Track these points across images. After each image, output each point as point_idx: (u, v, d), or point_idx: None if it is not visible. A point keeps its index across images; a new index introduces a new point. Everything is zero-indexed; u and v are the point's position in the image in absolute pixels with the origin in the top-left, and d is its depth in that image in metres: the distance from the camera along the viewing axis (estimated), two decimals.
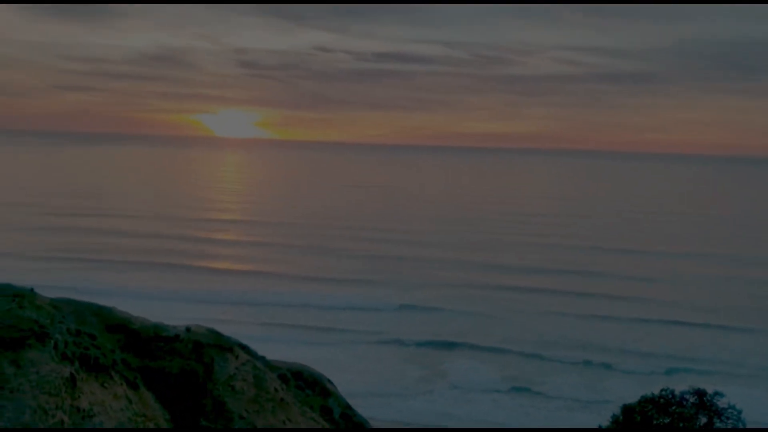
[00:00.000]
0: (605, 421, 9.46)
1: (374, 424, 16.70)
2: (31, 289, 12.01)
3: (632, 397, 10.63)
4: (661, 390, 9.79)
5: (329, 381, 16.72)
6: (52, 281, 40.82)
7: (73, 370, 10.57)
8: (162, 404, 12.37)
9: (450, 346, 38.07)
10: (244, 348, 14.04)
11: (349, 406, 16.02)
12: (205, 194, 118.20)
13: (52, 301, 12.34)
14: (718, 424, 9.90)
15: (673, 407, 9.39)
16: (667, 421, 9.13)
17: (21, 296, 11.50)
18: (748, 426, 10.01)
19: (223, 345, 13.38)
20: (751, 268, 60.64)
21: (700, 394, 9.87)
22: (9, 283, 12.19)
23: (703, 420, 9.90)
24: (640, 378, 32.64)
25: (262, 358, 14.43)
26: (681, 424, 8.94)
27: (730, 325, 42.22)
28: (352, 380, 27.98)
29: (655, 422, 8.93)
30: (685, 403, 9.72)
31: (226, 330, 14.85)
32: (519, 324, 42.20)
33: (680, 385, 10.61)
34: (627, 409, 9.07)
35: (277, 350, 19.29)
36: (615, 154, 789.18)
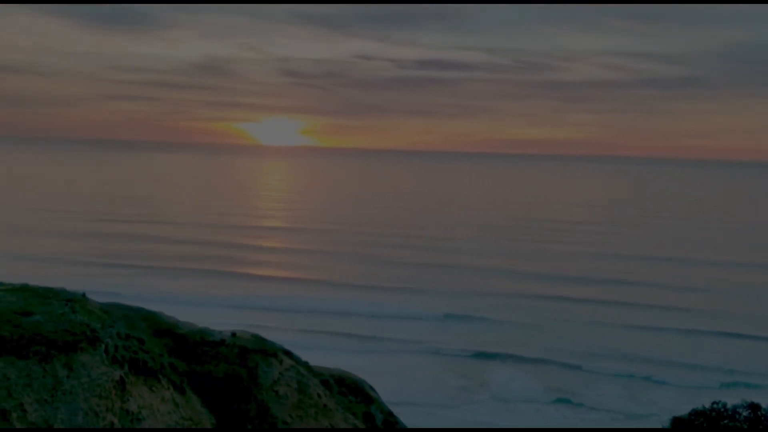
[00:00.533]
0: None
1: None
2: (83, 294, 12.34)
3: (679, 411, 10.37)
4: (713, 403, 9.52)
5: (371, 388, 16.74)
6: (101, 287, 41.86)
7: (122, 373, 10.82)
8: (208, 408, 12.57)
9: (492, 356, 37.75)
10: (288, 353, 14.16)
11: (391, 414, 16.01)
12: (250, 202, 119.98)
13: (103, 306, 12.67)
14: None
15: (725, 420, 9.12)
16: None
17: (73, 301, 11.82)
18: None
19: (267, 350, 13.53)
20: None
21: (754, 407, 9.56)
22: (63, 287, 12.56)
23: None
24: (686, 391, 31.86)
25: (306, 364, 14.54)
26: None
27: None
28: (395, 388, 27.96)
29: None
30: (737, 416, 9.43)
31: (269, 336, 15.03)
32: (562, 334, 41.62)
33: (732, 399, 10.31)
34: (677, 422, 8.85)
35: (319, 357, 19.43)
36: (660, 161, 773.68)
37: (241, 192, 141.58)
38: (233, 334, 13.60)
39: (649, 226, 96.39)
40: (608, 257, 68.04)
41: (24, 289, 11.93)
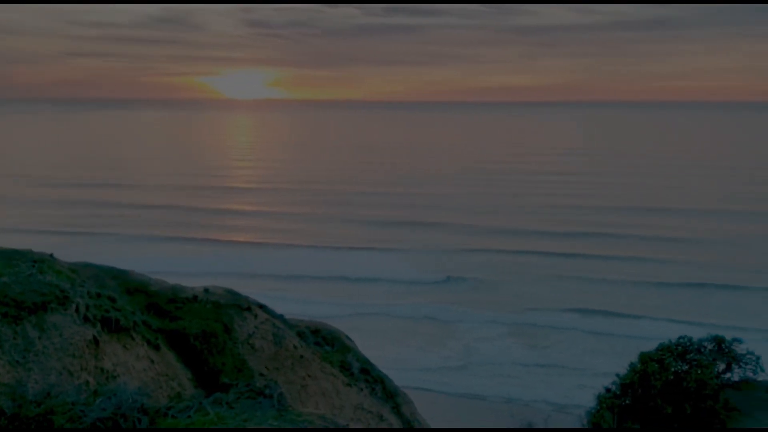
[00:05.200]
0: (623, 370, 9.50)
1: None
2: (51, 255, 12.15)
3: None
4: (679, 338, 9.78)
5: (348, 337, 16.90)
6: (64, 256, 41.20)
7: (95, 332, 10.75)
8: (183, 364, 12.59)
9: (470, 306, 38.46)
10: (262, 307, 14.18)
11: (368, 362, 16.20)
12: (218, 161, 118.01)
13: (71, 265, 12.50)
14: (736, 370, 9.90)
15: (691, 354, 9.39)
16: (685, 368, 9.14)
17: (41, 261, 11.64)
18: (764, 368, 10.01)
19: (242, 305, 13.51)
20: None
21: (718, 340, 9.85)
22: (29, 249, 12.34)
23: (722, 366, 9.90)
24: (654, 343, 32.83)
25: (281, 317, 14.58)
26: (699, 371, 8.94)
27: (751, 286, 41.64)
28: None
29: (672, 369, 8.94)
30: (703, 350, 9.71)
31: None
32: (535, 289, 42.33)
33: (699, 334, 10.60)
34: (644, 357, 9.08)
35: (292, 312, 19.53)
36: (637, 105, 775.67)
37: (208, 150, 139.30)
38: (206, 290, 13.54)
39: (627, 174, 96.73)
40: (589, 209, 68.16)
41: None
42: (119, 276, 13.21)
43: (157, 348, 11.61)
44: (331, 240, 55.22)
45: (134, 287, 13.06)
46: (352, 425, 9.23)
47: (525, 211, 67.34)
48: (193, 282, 15.20)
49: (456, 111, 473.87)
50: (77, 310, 10.83)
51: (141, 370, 11.13)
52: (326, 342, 15.33)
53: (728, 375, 9.94)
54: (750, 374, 10.03)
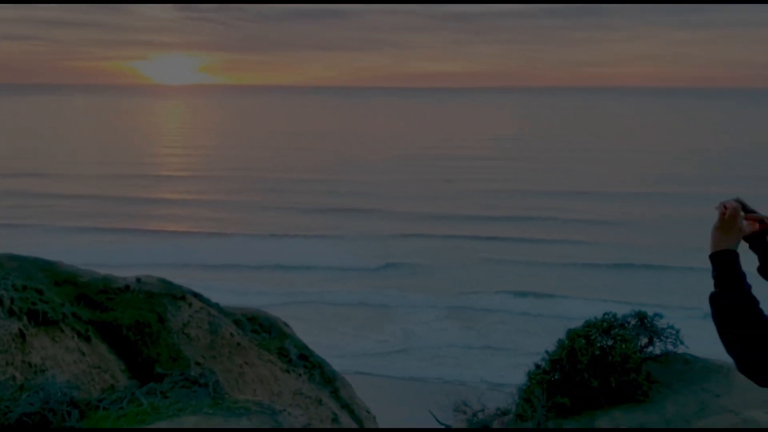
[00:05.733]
0: (553, 347, 9.86)
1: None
2: None
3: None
4: (604, 314, 10.21)
5: (285, 324, 16.90)
6: None
7: (21, 325, 10.41)
8: (117, 355, 12.34)
9: (407, 292, 38.96)
10: (197, 296, 14.01)
11: (306, 347, 16.26)
12: (146, 148, 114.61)
13: None
14: (657, 344, 10.42)
15: (616, 330, 9.83)
16: (610, 343, 9.56)
17: None
18: (684, 341, 10.58)
19: (175, 294, 13.33)
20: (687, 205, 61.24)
21: (640, 316, 10.34)
22: None
23: (644, 340, 10.41)
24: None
25: (216, 305, 14.45)
26: (623, 345, 9.38)
27: (674, 266, 43.27)
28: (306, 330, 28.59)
29: (598, 344, 9.34)
30: (626, 325, 10.18)
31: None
32: (471, 274, 43.17)
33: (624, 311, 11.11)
34: (572, 334, 9.46)
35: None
36: (566, 90, 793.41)
37: (136, 137, 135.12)
38: (138, 280, 13.28)
39: (556, 159, 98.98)
40: (520, 194, 69.49)
41: None
42: (46, 267, 12.81)
43: (88, 340, 11.35)
44: (265, 228, 54.65)
45: (63, 279, 12.69)
46: (291, 411, 9.28)
47: (459, 197, 68.31)
48: (125, 273, 14.85)
49: (389, 96, 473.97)
50: (1, 303, 10.46)
51: (71, 363, 10.86)
52: (263, 329, 15.29)
53: (650, 349, 10.45)
54: (670, 347, 10.57)
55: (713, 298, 2.83)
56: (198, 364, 12.46)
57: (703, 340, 12.41)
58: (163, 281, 13.82)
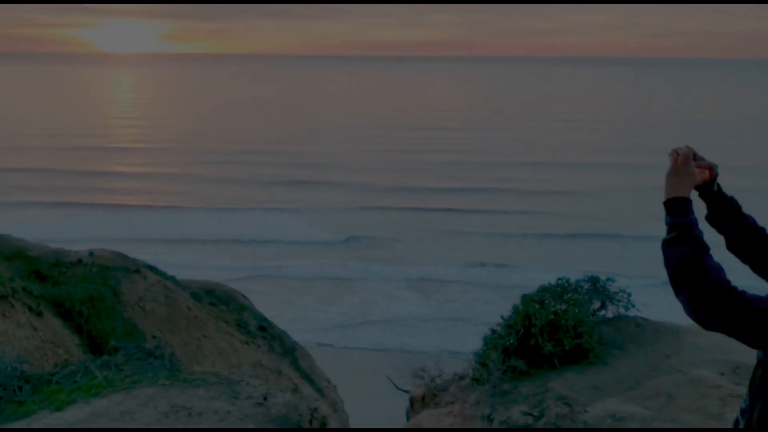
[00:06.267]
0: (507, 312, 10.03)
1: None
2: None
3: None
4: (558, 279, 10.40)
5: (244, 296, 16.81)
6: None
7: None
8: (71, 330, 12.11)
9: (367, 264, 39.09)
10: (152, 269, 13.81)
11: (265, 319, 16.23)
12: (95, 120, 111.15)
13: None
14: (610, 307, 10.68)
15: (569, 294, 10.03)
16: (563, 307, 9.76)
17: None
18: (635, 305, 10.87)
19: (130, 267, 13.12)
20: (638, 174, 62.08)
21: (593, 281, 10.57)
22: None
23: (597, 304, 10.65)
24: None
25: (172, 278, 14.27)
26: (576, 310, 9.59)
27: (628, 234, 44.11)
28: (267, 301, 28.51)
29: (552, 309, 9.53)
30: (579, 290, 10.40)
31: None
32: (429, 246, 43.49)
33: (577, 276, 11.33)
34: (526, 299, 9.63)
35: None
36: (520, 60, 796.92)
37: (84, 108, 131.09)
38: (91, 253, 13.01)
39: (513, 129, 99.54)
40: (477, 165, 69.68)
41: None
42: None
43: (40, 315, 11.10)
44: (221, 201, 53.88)
45: (12, 253, 12.36)
46: (250, 381, 9.27)
47: (416, 168, 68.35)
48: (77, 248, 14.49)
49: (347, 65, 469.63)
50: None
51: (23, 338, 10.62)
52: (221, 302, 15.18)
53: (603, 312, 10.71)
54: (622, 311, 10.84)
55: (665, 244, 2.89)
56: (155, 337, 12.33)
57: (655, 305, 12.83)
58: (117, 254, 13.59)
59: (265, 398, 8.62)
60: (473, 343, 11.04)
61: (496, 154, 76.73)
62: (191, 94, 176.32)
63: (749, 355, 3.07)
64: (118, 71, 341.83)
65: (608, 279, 10.92)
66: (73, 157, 71.94)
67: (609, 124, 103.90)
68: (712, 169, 3.20)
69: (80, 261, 12.72)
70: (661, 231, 3.02)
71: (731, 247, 3.27)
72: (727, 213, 3.21)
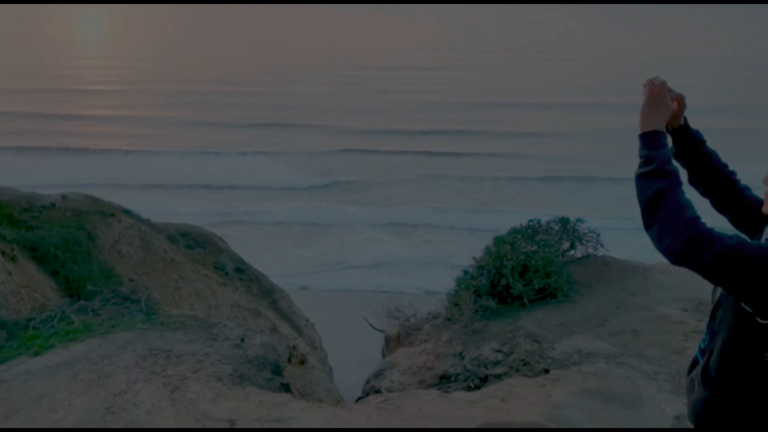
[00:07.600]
0: (479, 253, 10.24)
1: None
2: None
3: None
4: (529, 221, 10.60)
5: (220, 239, 16.88)
6: None
7: None
8: (47, 274, 12.12)
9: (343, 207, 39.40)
10: (127, 212, 13.77)
11: (242, 261, 16.35)
12: (64, 60, 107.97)
13: None
14: (579, 247, 10.94)
15: (540, 235, 10.24)
16: (534, 248, 9.98)
17: None
18: (604, 245, 11.15)
19: (105, 211, 13.06)
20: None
21: (563, 222, 10.79)
22: None
23: (567, 244, 10.91)
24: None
25: (147, 221, 14.26)
26: (546, 250, 9.82)
27: (602, 177, 44.44)
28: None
29: (523, 250, 9.75)
30: (550, 231, 10.62)
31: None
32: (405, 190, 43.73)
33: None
34: (498, 241, 9.82)
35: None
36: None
37: (51, 47, 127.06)
38: (64, 197, 12.92)
39: (489, 69, 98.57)
40: (453, 106, 69.06)
41: None
42: None
43: (14, 259, 11.08)
44: (196, 145, 53.12)
45: None
46: (227, 323, 9.43)
47: (393, 110, 67.82)
48: (48, 193, 14.34)
49: (319, 4, 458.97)
50: None
51: None
52: (198, 244, 15.24)
53: (572, 252, 10.98)
54: (591, 250, 11.12)
55: (640, 177, 2.88)
56: (131, 280, 12.39)
57: (627, 245, 13.18)
58: (91, 198, 13.50)
59: (242, 340, 8.80)
60: (447, 283, 11.30)
61: (472, 94, 75.99)
62: (161, 34, 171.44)
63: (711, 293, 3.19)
64: (86, 9, 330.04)
65: (578, 220, 11.16)
66: (42, 100, 70.23)
67: (588, 64, 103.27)
68: (681, 100, 3.25)
69: (53, 205, 12.63)
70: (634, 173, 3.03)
71: (694, 181, 3.35)
72: (692, 146, 3.24)
